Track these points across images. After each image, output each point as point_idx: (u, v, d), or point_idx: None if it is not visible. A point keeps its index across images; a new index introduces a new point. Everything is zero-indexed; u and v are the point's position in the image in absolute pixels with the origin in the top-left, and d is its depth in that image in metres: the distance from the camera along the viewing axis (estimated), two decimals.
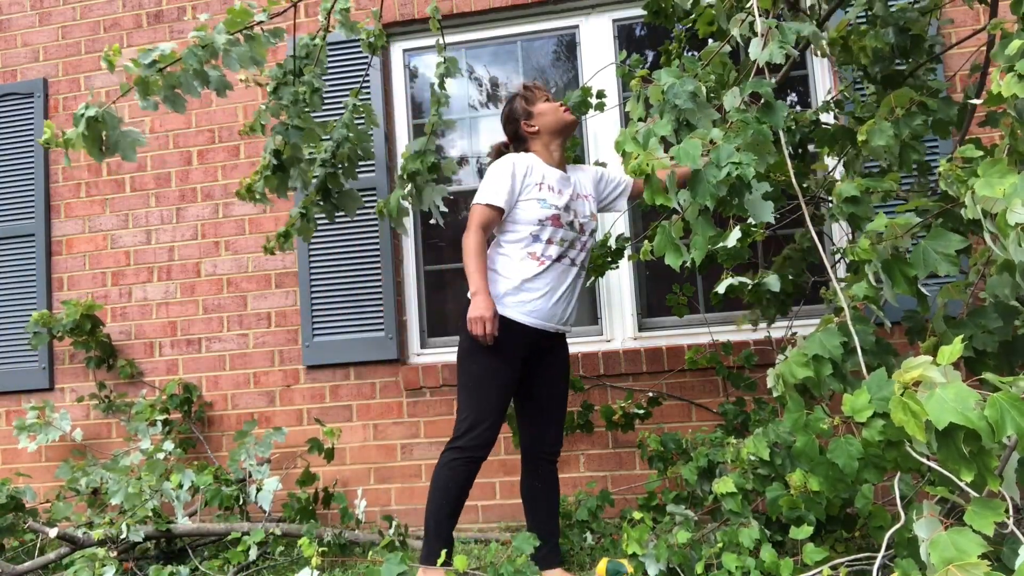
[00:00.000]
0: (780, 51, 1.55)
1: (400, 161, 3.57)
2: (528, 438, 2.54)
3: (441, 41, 2.99)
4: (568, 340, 3.60)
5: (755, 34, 1.62)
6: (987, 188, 1.27)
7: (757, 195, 1.40)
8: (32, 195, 3.98)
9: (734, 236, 2.01)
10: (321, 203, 2.82)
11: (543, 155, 2.52)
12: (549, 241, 2.39)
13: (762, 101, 1.51)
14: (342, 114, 2.86)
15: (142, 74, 1.90)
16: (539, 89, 2.58)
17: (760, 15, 1.60)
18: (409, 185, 2.89)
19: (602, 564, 2.31)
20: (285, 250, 2.90)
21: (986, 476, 1.09)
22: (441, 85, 2.97)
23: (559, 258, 2.41)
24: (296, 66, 2.42)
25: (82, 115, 1.85)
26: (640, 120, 1.70)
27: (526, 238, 2.39)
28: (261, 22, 2.08)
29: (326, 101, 3.68)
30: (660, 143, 1.49)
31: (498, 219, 2.41)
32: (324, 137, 2.78)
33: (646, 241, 1.78)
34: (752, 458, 1.98)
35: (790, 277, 2.55)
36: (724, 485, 2.04)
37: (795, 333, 3.03)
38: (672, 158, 1.43)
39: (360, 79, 3.67)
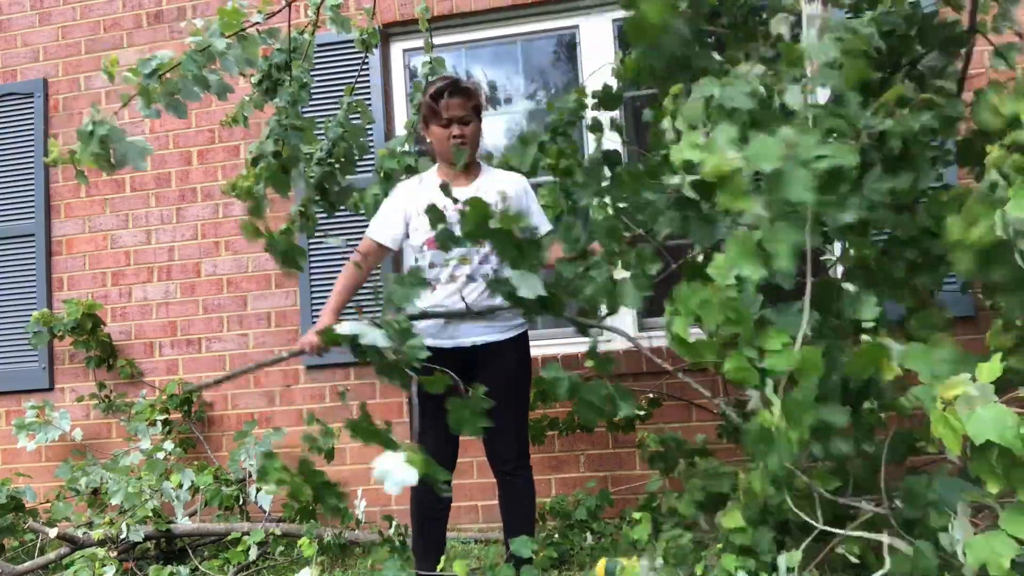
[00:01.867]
0: (835, 43, 1.50)
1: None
2: (487, 453, 2.47)
3: (429, 40, 2.99)
4: (569, 340, 3.60)
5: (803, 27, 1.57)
6: (1019, 210, 1.27)
7: (843, 191, 1.30)
8: (32, 195, 3.98)
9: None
10: (319, 200, 2.83)
11: (440, 166, 2.49)
12: (431, 265, 2.36)
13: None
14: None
15: (143, 83, 1.89)
16: (455, 105, 2.34)
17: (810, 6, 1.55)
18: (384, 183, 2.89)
19: (601, 564, 2.31)
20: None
21: (1017, 488, 1.18)
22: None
23: (450, 278, 2.35)
24: (287, 60, 2.41)
25: (90, 132, 1.83)
26: (691, 129, 1.58)
27: (412, 263, 2.40)
28: (256, 23, 2.07)
29: (327, 100, 3.67)
30: (730, 145, 1.38)
31: (379, 252, 2.46)
32: (318, 135, 2.78)
33: (702, 258, 1.68)
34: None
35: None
36: (731, 519, 1.90)
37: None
38: (746, 158, 1.33)
39: (359, 80, 3.67)
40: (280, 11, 2.28)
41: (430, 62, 2.96)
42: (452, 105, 2.36)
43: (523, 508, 2.45)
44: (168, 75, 1.92)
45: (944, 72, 1.98)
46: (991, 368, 1.20)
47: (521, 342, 2.47)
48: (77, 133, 1.85)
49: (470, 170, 2.47)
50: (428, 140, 2.48)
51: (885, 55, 1.96)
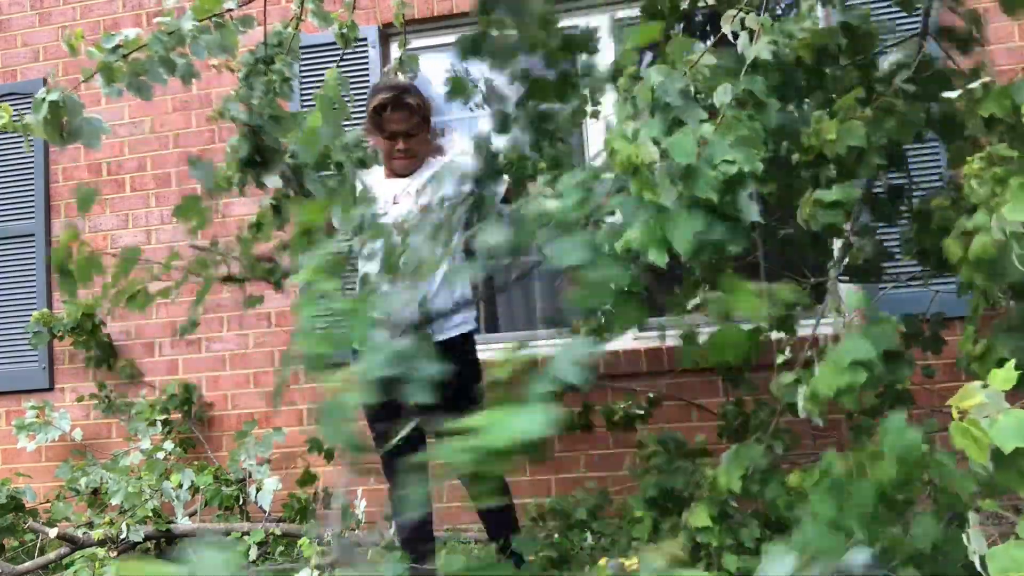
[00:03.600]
0: (767, 47, 1.56)
1: None
2: None
3: (404, 38, 2.96)
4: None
5: (746, 29, 1.62)
6: (1017, 213, 1.29)
7: (743, 194, 1.39)
8: (32, 195, 3.98)
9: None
10: (290, 195, 2.80)
11: (384, 164, 2.37)
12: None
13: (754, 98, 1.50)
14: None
15: (105, 60, 1.85)
16: (397, 119, 2.26)
17: (751, 12, 1.59)
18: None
19: (602, 563, 2.31)
20: (259, 241, 2.85)
21: None
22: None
23: None
24: (267, 54, 2.39)
25: (43, 100, 1.80)
26: (629, 118, 1.67)
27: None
28: (230, 10, 2.04)
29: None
30: (650, 139, 1.46)
31: None
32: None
33: (625, 236, 1.69)
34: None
35: None
36: (697, 517, 1.85)
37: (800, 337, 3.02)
38: (663, 152, 1.41)
39: (359, 79, 3.67)
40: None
41: (400, 60, 2.92)
42: (395, 119, 2.28)
43: (507, 507, 2.42)
44: (134, 55, 1.87)
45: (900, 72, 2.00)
46: (1005, 376, 1.18)
47: (469, 339, 2.38)
48: (33, 102, 1.80)
49: (399, 165, 2.39)
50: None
51: (846, 52, 1.97)
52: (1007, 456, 1.15)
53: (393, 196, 2.31)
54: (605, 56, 3.59)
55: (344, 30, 2.76)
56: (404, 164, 2.34)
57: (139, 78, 1.89)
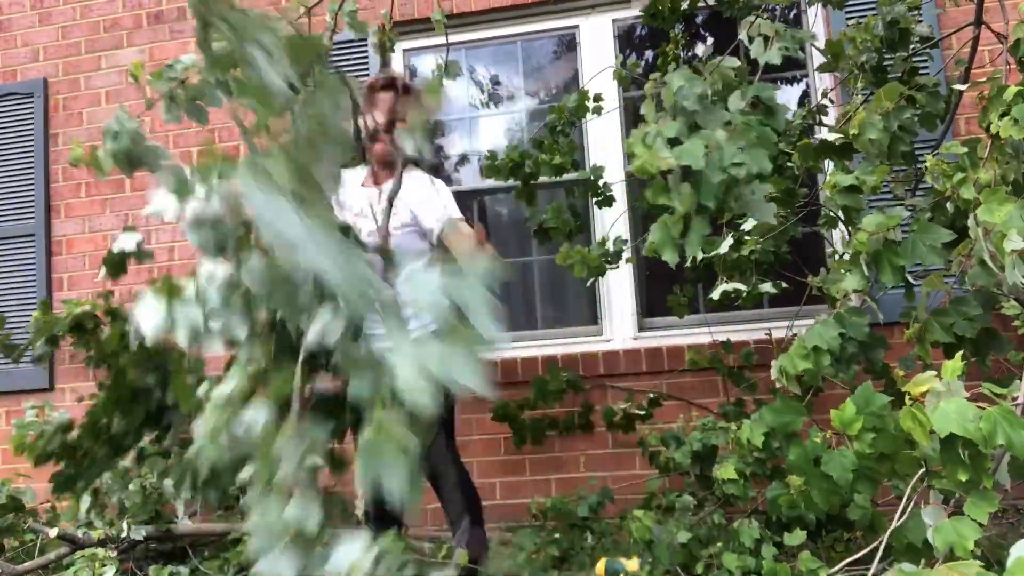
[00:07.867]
0: (779, 53, 1.63)
1: None
2: None
3: (446, 40, 2.94)
4: (568, 340, 3.60)
5: (761, 35, 1.67)
6: (988, 214, 1.44)
7: (758, 196, 1.42)
8: (32, 195, 3.98)
9: (726, 243, 2.07)
10: None
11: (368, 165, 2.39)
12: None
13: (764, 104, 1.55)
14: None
15: (167, 88, 1.87)
16: (381, 99, 2.30)
17: (766, 17, 1.65)
18: None
19: (601, 564, 2.31)
20: None
21: (981, 476, 1.27)
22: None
23: None
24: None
25: (114, 132, 1.81)
26: (654, 121, 1.72)
27: None
28: None
29: None
30: (667, 144, 1.50)
31: None
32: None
33: (648, 237, 1.80)
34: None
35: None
36: (725, 471, 2.10)
37: (795, 334, 3.03)
38: (677, 158, 1.45)
39: (362, 78, 3.67)
40: (300, 17, 2.25)
41: (445, 65, 2.89)
42: (384, 99, 2.31)
43: (471, 503, 2.38)
44: (191, 80, 1.88)
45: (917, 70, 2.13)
46: (954, 365, 1.30)
47: None
48: (103, 130, 1.81)
49: (392, 168, 2.31)
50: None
51: (885, 45, 2.04)
52: (946, 440, 1.26)
53: (360, 208, 2.23)
54: (605, 59, 3.61)
55: (382, 40, 2.72)
56: (382, 151, 2.30)
57: (195, 103, 1.89)
